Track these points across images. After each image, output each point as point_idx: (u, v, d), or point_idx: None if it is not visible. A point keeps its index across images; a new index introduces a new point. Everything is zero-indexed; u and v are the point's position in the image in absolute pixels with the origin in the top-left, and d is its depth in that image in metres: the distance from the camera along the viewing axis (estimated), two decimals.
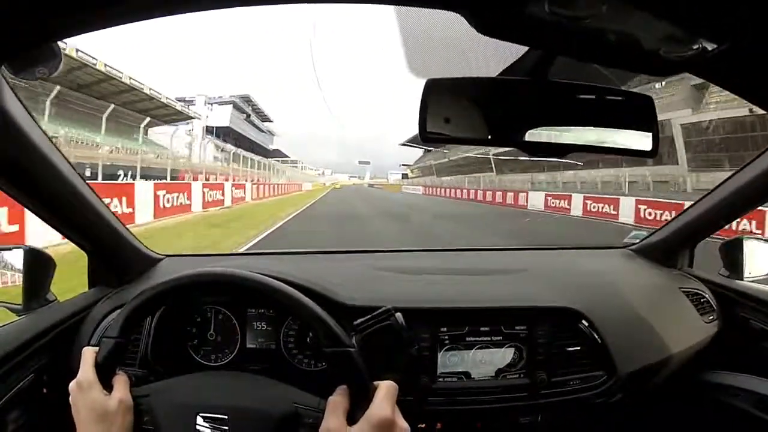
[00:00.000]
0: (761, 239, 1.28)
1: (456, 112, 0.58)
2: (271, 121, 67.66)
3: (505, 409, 0.96)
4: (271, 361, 0.98)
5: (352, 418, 0.60)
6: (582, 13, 0.46)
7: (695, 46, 0.52)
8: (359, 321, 0.71)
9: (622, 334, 1.02)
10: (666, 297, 1.19)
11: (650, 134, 0.64)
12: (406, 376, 0.90)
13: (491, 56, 0.59)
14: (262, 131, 64.43)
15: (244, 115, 55.33)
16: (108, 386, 0.66)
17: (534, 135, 0.60)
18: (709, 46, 0.52)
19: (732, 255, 1.25)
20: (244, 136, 53.85)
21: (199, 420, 0.63)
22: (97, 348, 0.68)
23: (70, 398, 0.65)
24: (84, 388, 0.64)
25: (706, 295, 1.21)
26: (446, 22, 0.54)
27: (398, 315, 0.71)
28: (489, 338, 0.98)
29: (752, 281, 1.23)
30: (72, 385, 0.66)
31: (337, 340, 0.63)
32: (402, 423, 0.60)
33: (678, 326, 1.13)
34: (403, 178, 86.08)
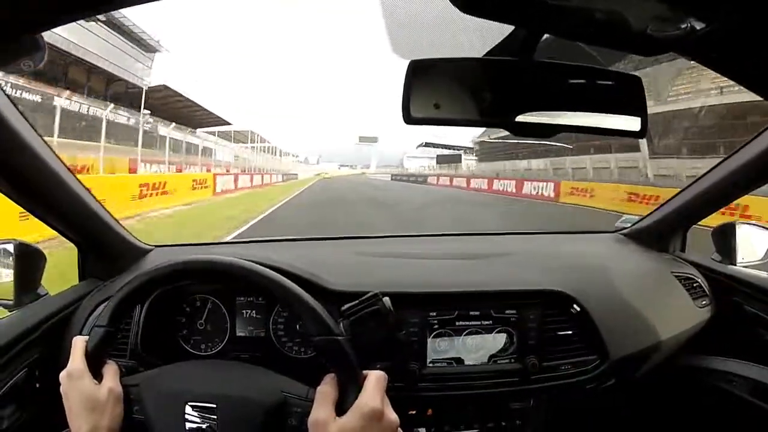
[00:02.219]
0: (754, 224, 1.28)
1: (441, 94, 0.57)
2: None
3: (496, 394, 0.96)
4: (260, 349, 0.98)
5: (340, 407, 0.59)
6: None
7: (683, 26, 0.52)
8: (346, 306, 0.71)
9: (614, 318, 1.02)
10: (658, 281, 1.19)
11: (639, 115, 0.63)
12: (396, 362, 0.90)
13: (477, 36, 0.59)
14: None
15: None
16: (98, 375, 0.66)
17: (522, 116, 0.59)
18: (698, 26, 0.51)
19: (724, 240, 1.25)
20: None
21: (188, 409, 0.63)
22: (87, 337, 0.68)
23: (60, 387, 0.65)
24: (74, 378, 0.64)
25: (699, 280, 1.21)
26: (430, 2, 0.54)
27: (386, 299, 0.71)
28: (479, 322, 0.97)
29: (745, 266, 1.24)
30: (62, 374, 0.66)
31: (326, 328, 0.63)
32: (391, 414, 0.60)
33: (670, 311, 1.13)
34: (439, 163, 48.88)
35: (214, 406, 0.62)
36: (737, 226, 1.24)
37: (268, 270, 0.66)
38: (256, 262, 0.68)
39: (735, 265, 1.23)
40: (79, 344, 0.67)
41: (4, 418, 0.84)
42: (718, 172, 1.11)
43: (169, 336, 0.98)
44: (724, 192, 1.14)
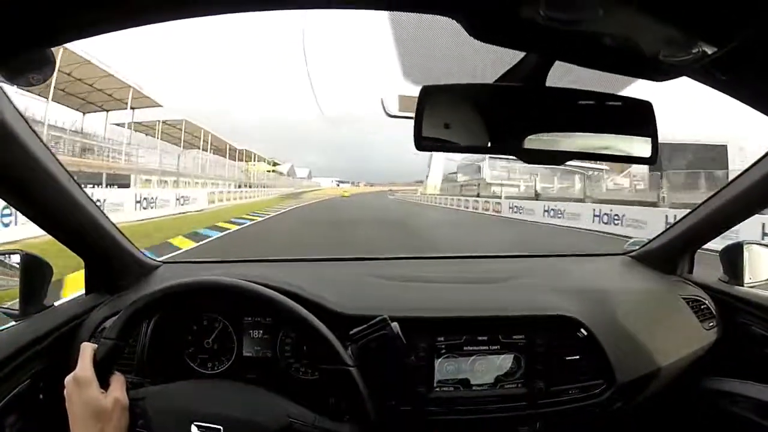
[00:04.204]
0: (762, 244, 1.27)
1: (453, 119, 0.57)
2: None
3: (503, 418, 0.95)
4: (267, 369, 0.97)
5: None
6: (577, 16, 0.45)
7: (694, 50, 0.52)
8: (355, 331, 0.71)
9: (621, 343, 1.01)
10: (666, 304, 1.18)
11: (649, 140, 0.63)
12: (403, 386, 0.90)
13: (488, 62, 0.59)
14: None
15: None
16: (105, 385, 0.66)
17: (532, 142, 0.59)
18: (709, 50, 0.51)
19: (732, 261, 1.24)
20: None
21: (193, 429, 0.63)
22: (96, 345, 0.68)
23: (65, 391, 0.65)
24: (81, 384, 0.64)
25: (706, 302, 1.20)
26: (442, 28, 0.54)
27: (394, 324, 0.71)
28: (487, 347, 0.97)
29: (753, 287, 1.23)
30: (69, 379, 0.66)
31: (338, 357, 0.63)
32: None
33: (678, 334, 1.12)
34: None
35: (220, 428, 0.62)
36: (745, 247, 1.22)
37: (284, 297, 0.66)
38: (267, 285, 0.67)
39: (742, 285, 1.22)
40: (87, 351, 0.67)
41: (5, 427, 0.84)
42: (724, 194, 1.11)
43: (175, 353, 0.97)
44: (730, 214, 1.14)
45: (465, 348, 0.96)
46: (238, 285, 0.67)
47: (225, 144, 32.09)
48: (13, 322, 0.96)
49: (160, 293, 0.69)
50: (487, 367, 0.96)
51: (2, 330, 0.92)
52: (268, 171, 48.73)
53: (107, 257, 1.06)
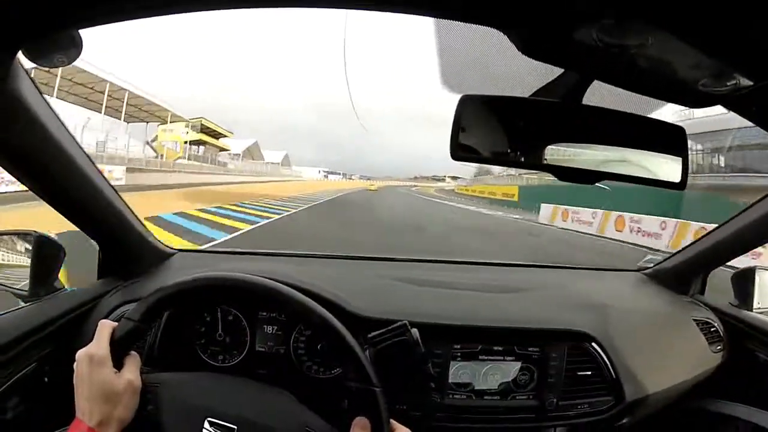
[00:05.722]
0: None
1: (489, 131, 0.57)
2: None
3: (511, 429, 0.95)
4: (279, 365, 0.96)
5: None
6: (629, 42, 0.46)
7: (732, 82, 0.52)
8: (374, 334, 0.70)
9: (632, 361, 1.02)
10: (677, 326, 1.19)
11: (680, 165, 0.63)
12: (416, 392, 0.90)
13: (526, 75, 0.58)
14: None
15: None
16: (118, 366, 0.64)
17: (565, 159, 0.59)
18: (747, 83, 0.52)
19: (743, 285, 1.25)
20: None
21: (206, 425, 0.62)
22: (115, 324, 0.66)
23: (75, 365, 0.63)
24: (94, 362, 0.62)
25: (716, 325, 1.21)
26: (485, 38, 0.53)
27: (414, 331, 0.70)
28: (501, 357, 0.97)
29: (761, 312, 1.23)
30: (81, 355, 0.63)
31: (366, 376, 0.62)
32: None
33: (687, 355, 1.13)
34: None
35: (235, 428, 0.61)
36: (757, 272, 1.23)
37: (316, 304, 0.66)
38: (294, 285, 0.67)
39: (751, 310, 1.23)
40: (106, 329, 0.65)
41: (8, 409, 0.83)
42: (743, 218, 1.11)
43: (187, 344, 0.96)
44: (747, 238, 1.14)
45: (480, 357, 0.96)
46: (277, 288, 0.66)
47: None
48: (22, 303, 0.96)
49: (193, 283, 0.67)
50: (499, 377, 0.97)
51: (12, 311, 0.91)
52: (186, 142, 28.05)
53: (122, 242, 1.05)
